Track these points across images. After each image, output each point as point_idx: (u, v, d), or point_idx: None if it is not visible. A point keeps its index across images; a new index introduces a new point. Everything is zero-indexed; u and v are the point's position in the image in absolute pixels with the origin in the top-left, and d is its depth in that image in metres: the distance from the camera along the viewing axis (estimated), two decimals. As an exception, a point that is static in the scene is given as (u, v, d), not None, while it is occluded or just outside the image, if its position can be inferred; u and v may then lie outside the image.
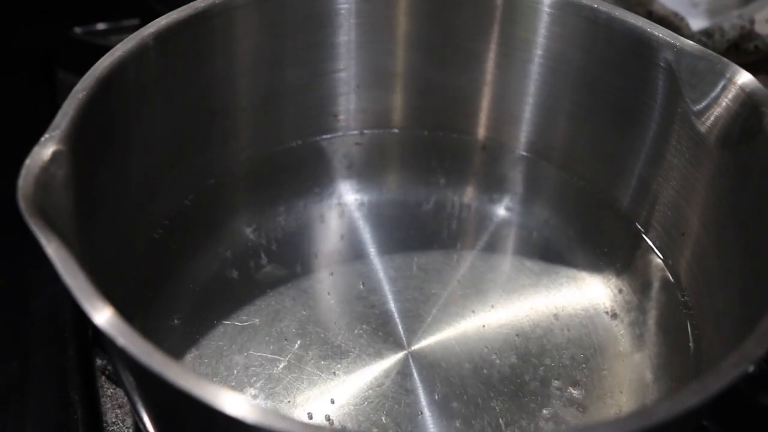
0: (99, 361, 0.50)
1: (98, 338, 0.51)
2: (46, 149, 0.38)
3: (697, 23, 0.70)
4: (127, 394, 0.45)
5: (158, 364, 0.30)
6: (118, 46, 0.46)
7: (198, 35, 0.51)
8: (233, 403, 0.30)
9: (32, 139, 0.66)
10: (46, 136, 0.39)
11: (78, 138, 0.40)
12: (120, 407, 0.48)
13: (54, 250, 0.34)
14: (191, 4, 0.50)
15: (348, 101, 0.59)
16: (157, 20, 0.48)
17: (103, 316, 0.32)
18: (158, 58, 0.48)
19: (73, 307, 0.54)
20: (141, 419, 0.42)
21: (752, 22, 0.66)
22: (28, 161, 0.37)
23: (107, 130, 0.45)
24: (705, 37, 0.66)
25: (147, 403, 0.40)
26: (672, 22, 0.67)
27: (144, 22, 0.76)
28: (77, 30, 0.77)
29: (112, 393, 0.49)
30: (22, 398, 0.49)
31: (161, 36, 0.48)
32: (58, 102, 0.68)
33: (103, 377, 0.50)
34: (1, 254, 0.58)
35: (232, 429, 0.32)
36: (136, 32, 0.47)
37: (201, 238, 0.54)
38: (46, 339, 0.53)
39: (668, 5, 0.69)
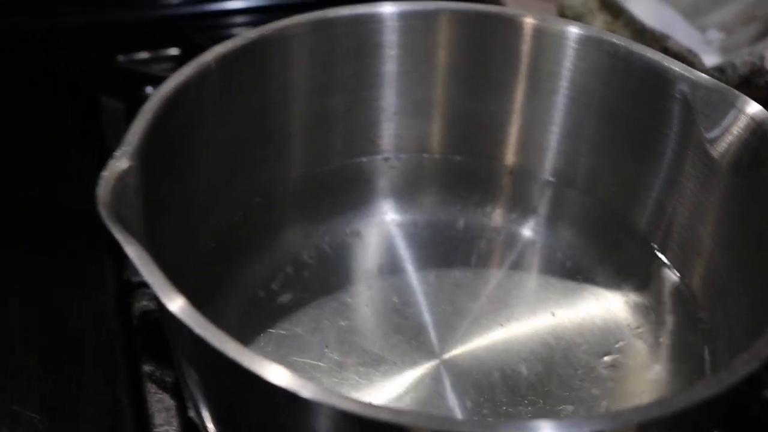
0: (146, 368, 0.52)
1: (148, 346, 0.53)
2: (120, 162, 0.40)
3: (710, 60, 0.71)
4: (187, 390, 0.46)
5: (232, 350, 0.33)
6: (180, 70, 0.48)
7: (254, 62, 0.53)
8: (310, 388, 0.32)
9: (80, 158, 0.69)
10: (120, 150, 0.41)
11: (146, 153, 0.43)
12: (167, 410, 0.50)
13: (134, 251, 0.36)
14: (245, 34, 0.52)
15: (388, 127, 0.61)
16: (214, 48, 0.51)
17: (176, 304, 0.35)
18: (217, 82, 0.51)
19: (118, 318, 0.57)
20: (200, 415, 0.44)
21: (762, 59, 0.67)
22: (105, 173, 0.39)
23: (170, 147, 0.47)
24: (718, 72, 0.67)
25: (210, 395, 0.42)
26: (686, 58, 0.67)
27: (183, 52, 0.80)
28: (120, 58, 0.80)
29: (159, 398, 0.50)
30: (75, 403, 0.52)
31: (219, 62, 0.50)
32: (103, 126, 0.72)
33: (150, 382, 0.51)
34: (52, 271, 0.60)
35: (301, 415, 0.35)
36: (197, 58, 0.50)
37: (248, 253, 0.55)
38: (95, 349, 0.55)
39: (683, 42, 0.69)
